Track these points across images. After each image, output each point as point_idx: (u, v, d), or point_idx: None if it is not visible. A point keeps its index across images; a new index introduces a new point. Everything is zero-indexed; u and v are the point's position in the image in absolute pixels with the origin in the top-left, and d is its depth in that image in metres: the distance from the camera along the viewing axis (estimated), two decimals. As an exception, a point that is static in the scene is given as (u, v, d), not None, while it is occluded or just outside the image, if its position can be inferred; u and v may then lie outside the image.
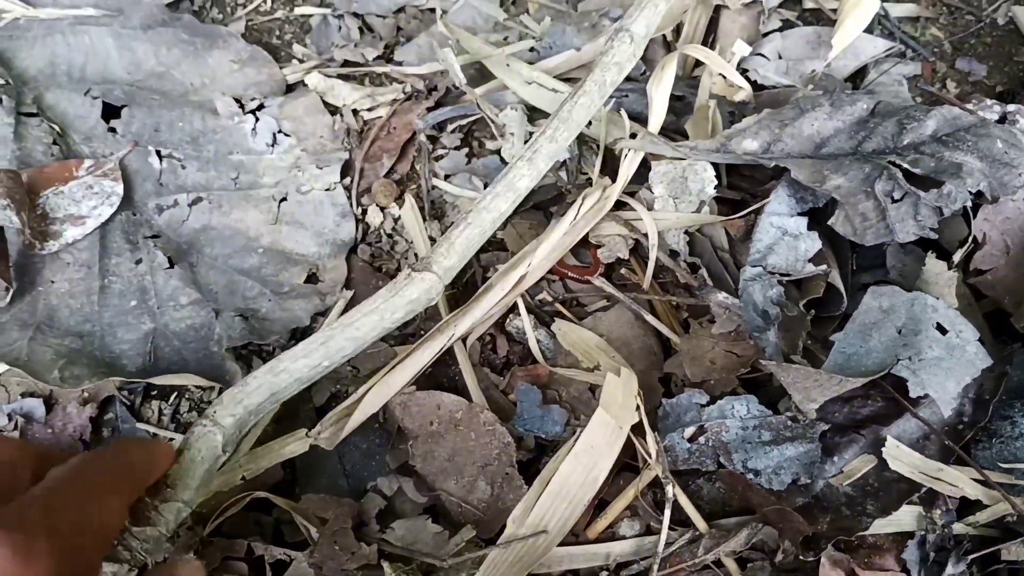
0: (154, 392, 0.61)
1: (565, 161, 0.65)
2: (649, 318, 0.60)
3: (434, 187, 0.68)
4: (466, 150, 0.70)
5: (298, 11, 0.80)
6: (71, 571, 0.34)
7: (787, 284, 0.56)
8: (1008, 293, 0.56)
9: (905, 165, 0.54)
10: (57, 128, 0.68)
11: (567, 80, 0.67)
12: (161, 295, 0.63)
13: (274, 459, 0.54)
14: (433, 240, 0.66)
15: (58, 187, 0.64)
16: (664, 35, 0.71)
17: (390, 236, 0.67)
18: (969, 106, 0.63)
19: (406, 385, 0.56)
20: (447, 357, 0.59)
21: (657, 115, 0.61)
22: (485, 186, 0.66)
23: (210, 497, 0.53)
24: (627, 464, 0.54)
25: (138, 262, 0.64)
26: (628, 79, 0.69)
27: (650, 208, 0.61)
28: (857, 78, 0.71)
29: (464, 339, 0.59)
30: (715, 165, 0.61)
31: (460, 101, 0.71)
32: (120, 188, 0.65)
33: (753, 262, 0.56)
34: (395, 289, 0.52)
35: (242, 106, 0.71)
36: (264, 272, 0.65)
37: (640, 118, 0.64)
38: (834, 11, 0.71)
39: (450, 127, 0.71)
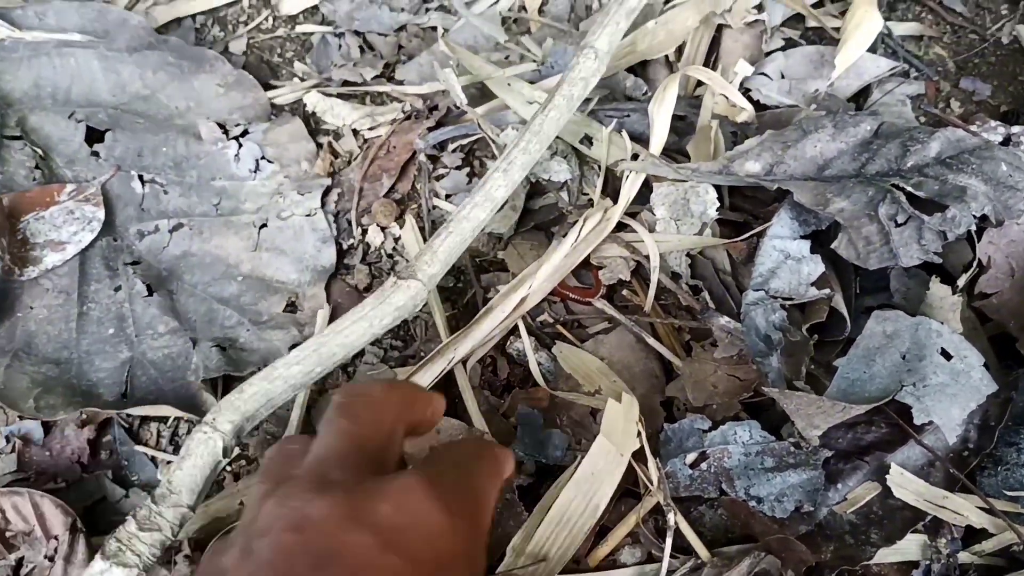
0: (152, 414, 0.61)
1: (567, 182, 0.64)
2: (651, 341, 0.59)
3: (435, 207, 0.68)
4: (467, 170, 0.69)
5: (299, 29, 0.80)
6: None
7: (790, 308, 0.56)
8: (1013, 317, 0.56)
9: (909, 188, 0.53)
10: (40, 152, 0.67)
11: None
12: (139, 323, 0.62)
13: (272, 484, 0.53)
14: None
15: (39, 212, 0.64)
16: (667, 55, 0.71)
17: (390, 256, 0.67)
18: (973, 127, 0.63)
19: (406, 409, 0.55)
20: (447, 380, 0.58)
21: (659, 136, 0.61)
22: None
23: (208, 522, 0.53)
24: (628, 490, 0.53)
25: (117, 289, 0.63)
26: (629, 99, 0.69)
27: (652, 230, 0.61)
28: (860, 98, 0.71)
29: (464, 361, 0.59)
30: (717, 187, 0.61)
31: (461, 120, 0.70)
32: (101, 213, 0.65)
33: (755, 286, 0.55)
34: (382, 296, 0.52)
35: (226, 131, 0.71)
36: (243, 300, 0.64)
37: (642, 139, 0.63)
38: (837, 30, 0.70)
39: (451, 146, 0.70)
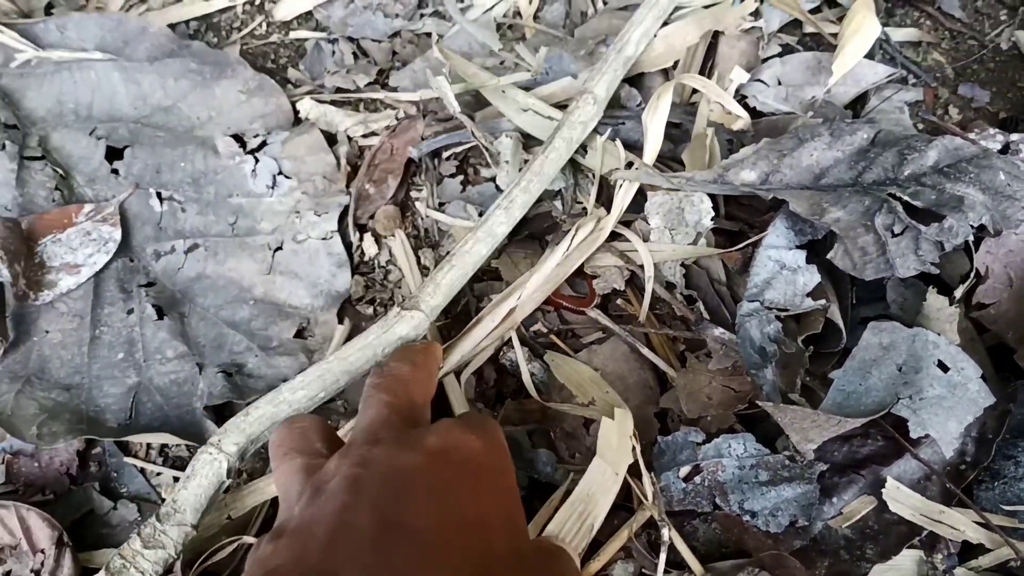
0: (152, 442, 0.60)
1: (561, 191, 0.64)
2: (645, 351, 0.59)
3: (428, 215, 0.67)
4: (461, 177, 0.69)
5: (293, 35, 0.80)
6: None
7: (785, 319, 0.55)
8: (1011, 328, 0.55)
9: (906, 197, 0.53)
10: (60, 171, 0.66)
11: (562, 107, 0.66)
12: (148, 348, 0.61)
13: (259, 498, 0.53)
14: (425, 270, 0.65)
15: (56, 234, 0.63)
16: (662, 64, 0.70)
17: (384, 267, 0.66)
18: (971, 135, 0.62)
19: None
20: (439, 390, 0.58)
21: (653, 145, 0.61)
22: (480, 214, 0.65)
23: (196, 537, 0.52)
24: (621, 504, 0.52)
25: (129, 312, 0.62)
26: (624, 108, 0.68)
27: (646, 239, 0.60)
28: (858, 104, 0.70)
29: (456, 372, 0.58)
30: (712, 196, 0.60)
31: (455, 128, 0.70)
32: (118, 234, 0.64)
33: (750, 297, 0.55)
34: (386, 326, 0.54)
35: (243, 144, 0.69)
36: (254, 325, 0.63)
37: (636, 147, 0.63)
38: (835, 36, 0.70)
39: (445, 154, 0.70)
